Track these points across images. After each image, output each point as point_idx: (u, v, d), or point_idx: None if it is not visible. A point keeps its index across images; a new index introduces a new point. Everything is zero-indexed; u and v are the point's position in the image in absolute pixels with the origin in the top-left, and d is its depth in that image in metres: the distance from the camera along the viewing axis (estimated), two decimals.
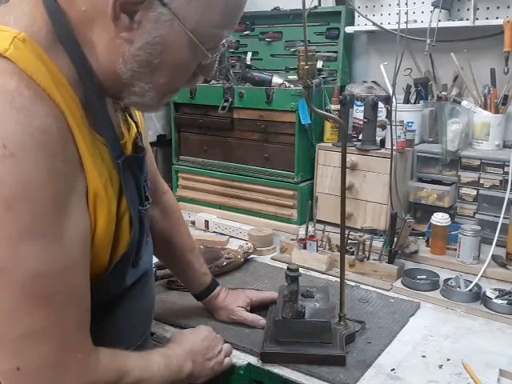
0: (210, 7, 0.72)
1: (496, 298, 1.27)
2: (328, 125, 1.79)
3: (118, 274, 0.84)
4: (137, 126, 0.93)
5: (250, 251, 1.59)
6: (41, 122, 0.65)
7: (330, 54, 2.00)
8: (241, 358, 1.08)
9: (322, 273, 1.51)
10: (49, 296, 0.68)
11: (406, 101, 1.81)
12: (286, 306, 1.08)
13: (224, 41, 0.78)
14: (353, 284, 1.43)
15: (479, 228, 1.45)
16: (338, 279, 1.16)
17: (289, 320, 1.07)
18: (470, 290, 1.32)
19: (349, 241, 1.50)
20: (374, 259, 1.49)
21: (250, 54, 2.16)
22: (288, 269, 1.07)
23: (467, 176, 1.61)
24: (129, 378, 0.80)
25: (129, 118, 0.92)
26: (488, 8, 1.71)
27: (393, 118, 1.59)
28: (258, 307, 1.24)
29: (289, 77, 1.95)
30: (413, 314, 1.26)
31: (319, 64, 1.97)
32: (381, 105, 1.73)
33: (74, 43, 0.73)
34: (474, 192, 1.60)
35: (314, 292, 1.18)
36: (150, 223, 1.01)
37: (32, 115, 0.64)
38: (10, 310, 0.66)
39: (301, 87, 1.72)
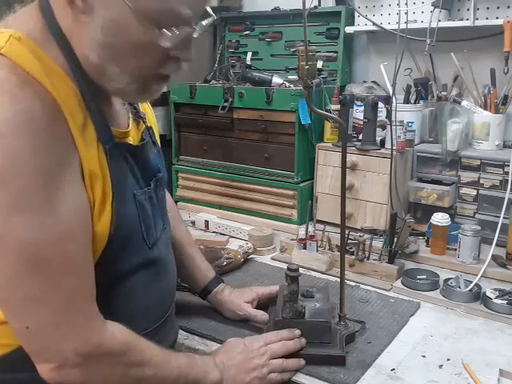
0: None
1: (496, 298, 1.27)
2: (328, 125, 1.79)
3: (121, 250, 0.86)
4: (143, 121, 0.98)
5: (250, 251, 1.59)
6: (26, 104, 0.70)
7: (330, 53, 2.00)
8: None
9: (322, 273, 1.51)
10: (43, 262, 0.72)
11: (406, 101, 1.81)
12: (286, 306, 1.08)
13: (192, 22, 0.77)
14: (353, 284, 1.43)
15: (479, 228, 1.45)
16: (338, 279, 1.16)
17: (289, 320, 1.07)
18: (470, 290, 1.32)
19: (349, 241, 1.50)
20: (374, 259, 1.49)
21: (249, 54, 2.16)
22: (288, 269, 1.07)
23: (467, 176, 1.61)
24: (135, 355, 0.82)
25: (136, 111, 0.97)
26: (488, 8, 1.71)
27: (393, 118, 1.59)
28: (262, 305, 1.23)
29: (289, 77, 1.95)
30: (413, 314, 1.26)
31: (319, 64, 1.97)
32: (381, 105, 1.73)
33: (62, 37, 0.78)
34: (474, 192, 1.60)
35: (314, 292, 1.18)
36: None
37: (18, 98, 0.70)
38: (11, 275, 0.72)
39: (301, 87, 1.72)
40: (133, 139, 0.93)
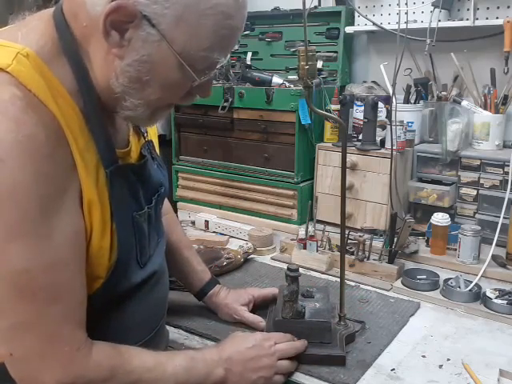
0: (198, 30, 0.74)
1: (496, 298, 1.27)
2: (328, 125, 1.79)
3: (121, 274, 0.85)
4: (143, 136, 0.97)
5: (250, 251, 1.59)
6: (30, 130, 0.69)
7: (330, 53, 2.00)
8: None
9: (322, 273, 1.51)
10: (34, 291, 0.72)
11: (406, 101, 1.81)
12: (286, 306, 1.08)
13: (219, 65, 0.80)
14: (353, 284, 1.43)
15: (479, 228, 1.45)
16: (338, 279, 1.16)
17: (289, 320, 1.07)
18: (470, 290, 1.32)
19: (349, 241, 1.50)
20: (374, 259, 1.49)
21: (249, 54, 2.16)
22: (288, 269, 1.07)
23: (467, 176, 1.61)
24: (122, 378, 0.80)
25: (137, 128, 0.96)
26: (488, 8, 1.71)
27: (393, 118, 1.59)
28: (258, 306, 1.24)
29: (289, 77, 1.95)
30: (413, 314, 1.26)
31: (319, 64, 1.97)
32: (381, 105, 1.73)
33: (77, 57, 0.77)
34: (474, 192, 1.60)
35: (314, 292, 1.18)
36: None
37: (22, 124, 0.69)
38: (1, 301, 0.72)
39: (301, 87, 1.72)
40: (133, 157, 0.92)
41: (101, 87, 0.79)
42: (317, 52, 0.99)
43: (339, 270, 1.14)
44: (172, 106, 0.88)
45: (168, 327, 1.19)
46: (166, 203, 1.24)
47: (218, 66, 0.81)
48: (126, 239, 0.85)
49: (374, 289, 1.40)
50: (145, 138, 0.98)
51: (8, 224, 0.69)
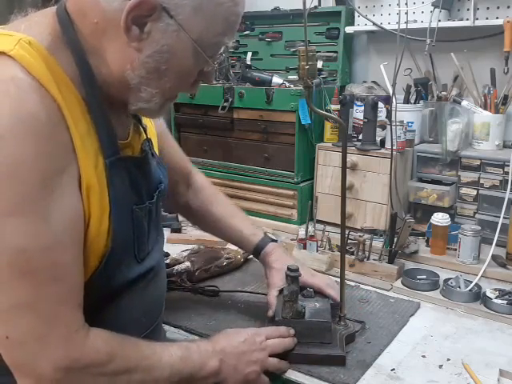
0: (214, 18, 0.78)
1: (496, 298, 1.27)
2: (328, 125, 1.79)
3: (115, 266, 0.85)
4: (145, 132, 0.98)
5: None
6: (31, 109, 0.70)
7: (330, 53, 2.00)
8: None
9: (322, 273, 1.51)
10: (32, 271, 0.72)
11: (406, 101, 1.81)
12: (286, 306, 1.08)
13: (223, 48, 0.84)
14: (353, 284, 1.42)
15: (479, 228, 1.45)
16: (338, 279, 1.16)
17: (289, 320, 1.07)
18: (470, 290, 1.32)
19: (349, 241, 1.50)
20: (374, 259, 1.49)
21: (249, 54, 2.16)
22: (288, 269, 1.07)
23: (467, 176, 1.61)
24: (119, 363, 0.80)
25: (138, 124, 0.97)
26: (488, 8, 1.71)
27: (393, 118, 1.59)
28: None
29: (289, 77, 1.95)
30: (413, 314, 1.26)
31: (319, 64, 1.97)
32: (381, 105, 1.73)
33: (80, 49, 0.79)
34: (474, 192, 1.60)
35: (314, 292, 1.18)
36: (187, 206, 1.23)
37: (23, 102, 0.69)
38: (0, 282, 0.71)
39: (301, 87, 1.72)
40: (133, 150, 0.93)
41: (113, 80, 0.80)
42: (317, 52, 1.00)
43: (339, 269, 1.14)
44: (177, 96, 0.90)
45: (168, 327, 1.19)
46: (203, 179, 1.30)
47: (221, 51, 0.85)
48: (123, 230, 0.85)
49: (374, 289, 1.40)
50: (146, 134, 0.99)
51: (7, 201, 0.69)
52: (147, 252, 0.94)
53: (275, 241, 1.27)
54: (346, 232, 1.55)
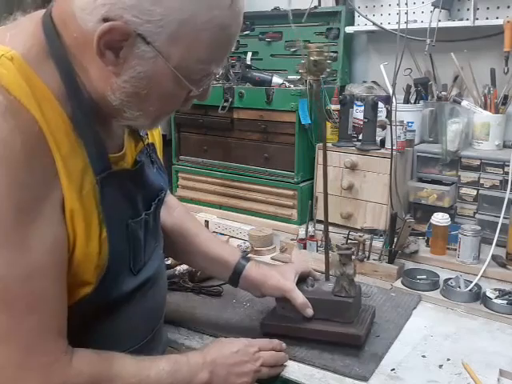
0: (195, 44, 0.73)
1: (496, 298, 1.27)
2: (328, 125, 1.79)
3: (112, 281, 0.84)
4: (142, 140, 0.95)
5: (248, 250, 1.60)
6: (5, 136, 0.67)
7: (330, 54, 2.00)
8: None
9: (323, 273, 1.50)
10: (9, 301, 0.70)
11: (406, 101, 1.81)
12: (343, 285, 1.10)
13: (213, 75, 0.80)
14: None
15: (479, 228, 1.45)
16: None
17: (313, 299, 1.10)
18: (470, 290, 1.32)
19: (349, 241, 1.50)
20: (374, 259, 1.49)
21: (249, 54, 2.16)
22: (337, 247, 1.11)
23: (467, 176, 1.61)
24: None
25: (133, 134, 0.94)
26: (488, 8, 1.71)
27: (393, 118, 1.59)
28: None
29: (289, 77, 1.95)
30: (415, 307, 1.29)
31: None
32: (381, 105, 1.73)
33: (65, 62, 0.76)
34: (474, 192, 1.60)
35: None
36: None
37: None
38: None
39: (301, 87, 1.73)
40: (128, 162, 0.90)
41: (97, 97, 0.78)
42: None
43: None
44: (172, 112, 0.88)
45: (168, 327, 1.19)
46: (172, 199, 1.24)
47: (215, 76, 0.81)
48: (118, 246, 0.83)
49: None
50: (143, 142, 0.96)
51: None
52: (143, 263, 0.93)
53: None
54: (346, 232, 1.56)
